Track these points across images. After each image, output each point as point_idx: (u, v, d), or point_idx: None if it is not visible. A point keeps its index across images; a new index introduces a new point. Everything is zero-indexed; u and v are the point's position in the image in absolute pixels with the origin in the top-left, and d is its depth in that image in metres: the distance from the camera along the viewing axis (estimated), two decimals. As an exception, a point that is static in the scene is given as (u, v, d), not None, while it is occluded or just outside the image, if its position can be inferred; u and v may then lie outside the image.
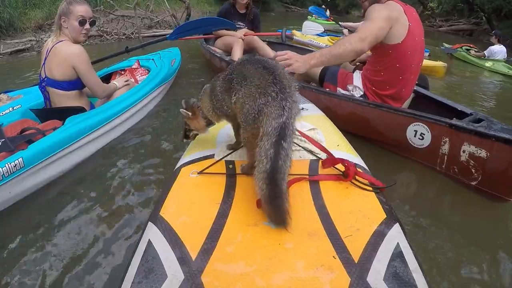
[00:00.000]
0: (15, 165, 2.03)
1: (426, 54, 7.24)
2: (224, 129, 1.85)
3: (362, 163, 1.68)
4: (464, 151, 2.29)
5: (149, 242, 1.17)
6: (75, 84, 2.66)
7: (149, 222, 1.27)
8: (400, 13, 2.45)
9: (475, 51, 8.04)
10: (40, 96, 2.86)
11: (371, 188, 1.39)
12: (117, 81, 3.17)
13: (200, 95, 1.57)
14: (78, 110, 2.66)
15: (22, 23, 8.21)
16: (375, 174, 1.56)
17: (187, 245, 1.14)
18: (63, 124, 2.50)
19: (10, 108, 2.78)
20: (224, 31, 4.91)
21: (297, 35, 7.61)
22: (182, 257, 1.09)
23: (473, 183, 2.28)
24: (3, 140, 2.14)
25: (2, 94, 3.07)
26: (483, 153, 2.20)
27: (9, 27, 7.75)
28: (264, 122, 1.21)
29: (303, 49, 5.08)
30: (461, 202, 2.29)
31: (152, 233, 1.20)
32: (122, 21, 9.19)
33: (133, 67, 3.96)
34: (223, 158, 1.58)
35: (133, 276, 1.08)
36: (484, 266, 1.75)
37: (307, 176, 1.45)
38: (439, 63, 5.92)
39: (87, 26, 2.62)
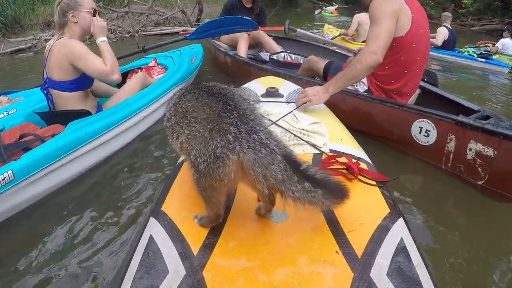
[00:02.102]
0: (4, 178, 1.85)
1: (508, 68, 6.87)
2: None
3: (366, 157, 1.68)
4: (470, 149, 2.27)
5: (151, 237, 1.18)
6: (76, 84, 2.49)
7: (151, 217, 1.28)
8: (401, 4, 2.43)
9: (492, 46, 8.01)
10: (43, 99, 2.71)
11: (374, 183, 1.40)
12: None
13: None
14: (83, 113, 2.47)
15: (30, 19, 7.97)
16: (379, 170, 1.57)
17: (189, 240, 1.15)
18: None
19: (5, 113, 2.60)
20: None
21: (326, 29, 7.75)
22: (184, 252, 1.10)
23: (480, 182, 2.25)
24: None
25: (2, 96, 2.94)
26: (490, 152, 2.17)
27: (15, 24, 7.53)
28: (253, 174, 0.99)
29: (309, 43, 5.09)
30: (467, 200, 2.26)
31: (154, 228, 1.21)
32: (127, 19, 8.78)
33: (149, 65, 3.81)
34: None
35: (135, 271, 1.08)
36: (489, 264, 1.75)
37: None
38: None
39: (97, 17, 2.56)
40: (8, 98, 2.91)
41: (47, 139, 2.21)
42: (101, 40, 2.56)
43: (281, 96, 2.29)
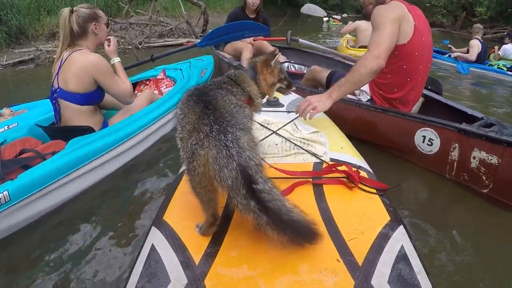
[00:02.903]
0: None
1: None
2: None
3: (366, 166, 1.70)
4: (474, 158, 2.27)
5: (153, 247, 1.20)
6: (90, 97, 2.47)
7: (153, 227, 1.30)
8: (404, 12, 2.46)
9: (497, 52, 7.96)
10: (46, 111, 2.71)
11: (374, 191, 1.42)
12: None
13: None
14: (85, 130, 2.43)
15: (35, 30, 8.01)
16: (381, 178, 1.58)
17: (190, 249, 1.16)
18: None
19: (5, 127, 2.55)
20: None
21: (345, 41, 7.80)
22: (185, 261, 1.12)
23: (484, 190, 2.26)
24: None
25: (5, 108, 2.93)
26: (494, 160, 2.18)
27: (20, 35, 7.56)
28: (212, 171, 1.06)
29: (312, 54, 5.13)
30: (470, 207, 2.28)
31: (156, 237, 1.24)
32: (131, 30, 8.78)
33: (158, 77, 3.75)
34: None
35: (136, 280, 1.10)
36: (492, 273, 1.74)
37: (311, 180, 1.47)
38: None
39: (112, 37, 2.63)
40: (11, 111, 2.91)
41: (48, 157, 2.17)
42: (117, 60, 2.66)
43: (281, 105, 2.32)
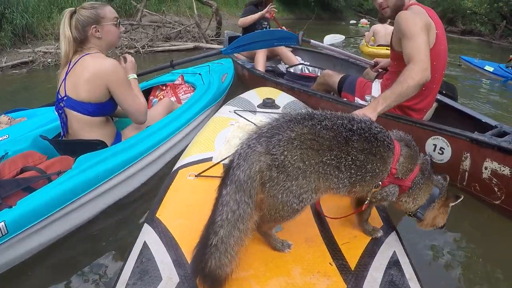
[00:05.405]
0: None
1: None
2: (222, 132, 1.95)
3: None
4: (486, 168, 2.29)
5: (145, 244, 1.26)
6: (102, 108, 2.26)
7: (145, 224, 1.36)
8: (428, 19, 2.46)
9: None
10: (48, 121, 2.54)
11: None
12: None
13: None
14: (97, 144, 2.20)
15: (45, 29, 7.92)
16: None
17: (183, 248, 1.23)
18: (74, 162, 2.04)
19: None
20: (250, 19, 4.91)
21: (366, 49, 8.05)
22: (178, 260, 1.18)
23: (496, 202, 2.27)
24: None
25: (3, 115, 2.71)
26: (506, 171, 2.19)
27: (28, 34, 7.47)
28: None
29: (326, 55, 5.15)
30: (482, 219, 2.31)
31: (148, 235, 1.30)
32: (135, 32, 8.49)
33: (175, 82, 3.55)
34: (221, 161, 1.67)
35: (128, 277, 1.16)
36: (483, 282, 1.79)
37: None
38: None
39: (121, 28, 2.44)
40: (9, 118, 2.70)
41: (53, 177, 1.94)
42: (133, 77, 2.51)
43: (277, 107, 2.38)
